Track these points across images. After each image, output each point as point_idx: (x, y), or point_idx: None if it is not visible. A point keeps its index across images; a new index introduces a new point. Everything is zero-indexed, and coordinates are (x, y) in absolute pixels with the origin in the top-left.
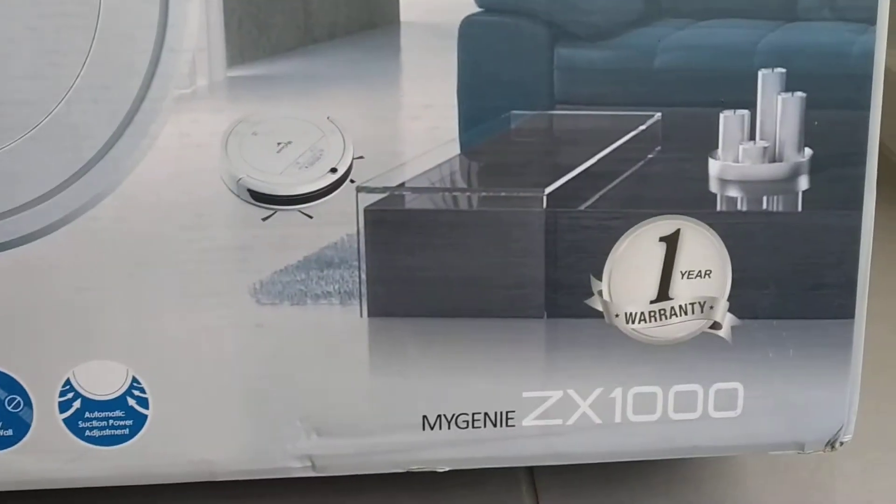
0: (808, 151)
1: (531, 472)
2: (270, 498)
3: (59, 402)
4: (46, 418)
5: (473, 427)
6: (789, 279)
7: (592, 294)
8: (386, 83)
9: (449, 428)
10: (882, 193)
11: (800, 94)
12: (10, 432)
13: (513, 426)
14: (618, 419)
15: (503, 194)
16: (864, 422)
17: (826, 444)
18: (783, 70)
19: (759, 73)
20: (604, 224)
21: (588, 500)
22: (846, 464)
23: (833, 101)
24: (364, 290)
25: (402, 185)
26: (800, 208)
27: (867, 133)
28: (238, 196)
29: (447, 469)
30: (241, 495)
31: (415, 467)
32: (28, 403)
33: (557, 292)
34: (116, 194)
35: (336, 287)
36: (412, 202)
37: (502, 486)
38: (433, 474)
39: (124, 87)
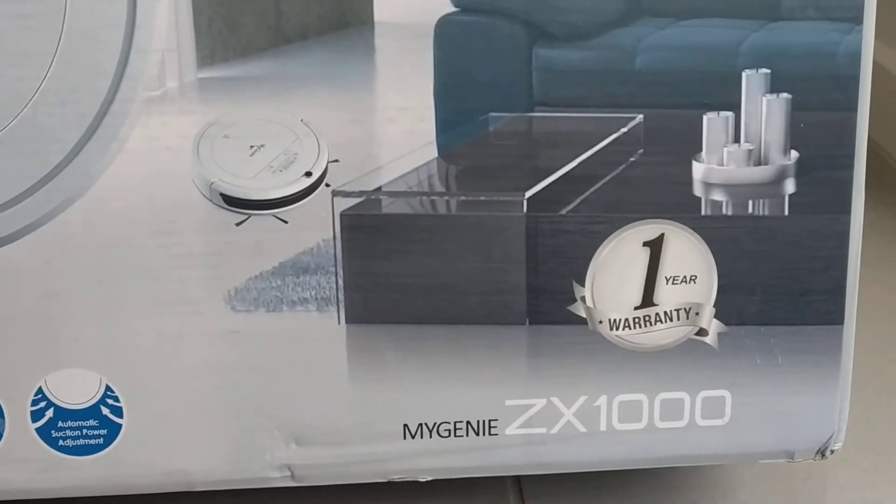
0: (794, 154)
1: (518, 479)
2: None
3: (32, 412)
4: (18, 428)
5: (455, 436)
6: (777, 285)
7: (575, 300)
8: (361, 85)
9: (430, 437)
10: (882, 198)
11: (785, 95)
12: None
13: (496, 435)
14: (603, 427)
15: (482, 198)
16: (855, 429)
17: (816, 453)
18: (768, 71)
19: (744, 74)
20: (586, 228)
21: None
22: (838, 472)
23: (819, 103)
24: (341, 297)
25: (379, 189)
26: (786, 212)
27: (854, 135)
28: (211, 200)
29: (429, 479)
30: None
31: (395, 477)
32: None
33: (539, 298)
34: (85, 199)
35: (313, 293)
36: (389, 206)
37: (489, 494)
38: (418, 482)
39: (92, 88)
